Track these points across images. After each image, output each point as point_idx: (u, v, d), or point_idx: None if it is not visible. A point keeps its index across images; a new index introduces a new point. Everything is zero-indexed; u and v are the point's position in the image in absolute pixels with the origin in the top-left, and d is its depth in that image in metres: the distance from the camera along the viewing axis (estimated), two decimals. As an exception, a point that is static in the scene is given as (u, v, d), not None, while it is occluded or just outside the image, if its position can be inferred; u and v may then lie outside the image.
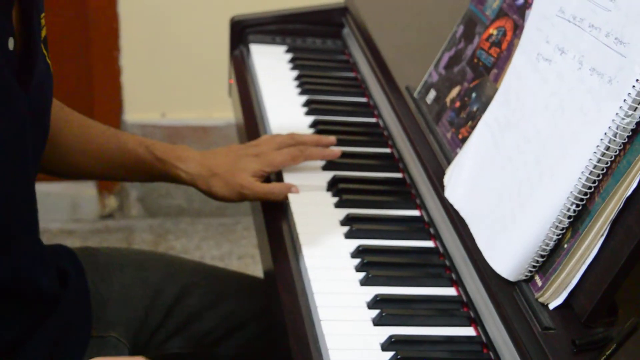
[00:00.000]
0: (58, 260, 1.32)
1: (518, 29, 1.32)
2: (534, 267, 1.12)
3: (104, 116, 2.88)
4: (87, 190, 2.98)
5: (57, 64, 2.77)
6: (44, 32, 1.19)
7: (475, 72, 1.39)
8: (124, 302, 1.41)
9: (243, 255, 2.91)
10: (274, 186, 1.43)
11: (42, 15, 1.18)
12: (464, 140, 1.33)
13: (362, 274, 1.25)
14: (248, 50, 1.90)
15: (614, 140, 1.03)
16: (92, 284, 1.38)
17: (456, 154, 1.32)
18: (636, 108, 1.02)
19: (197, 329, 1.45)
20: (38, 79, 1.14)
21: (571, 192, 1.07)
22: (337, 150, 1.50)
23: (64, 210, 2.98)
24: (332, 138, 1.52)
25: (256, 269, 2.77)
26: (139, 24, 2.84)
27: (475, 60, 1.40)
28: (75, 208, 2.99)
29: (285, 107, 1.70)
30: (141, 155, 1.44)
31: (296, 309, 1.20)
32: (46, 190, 2.89)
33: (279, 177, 1.48)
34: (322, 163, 1.51)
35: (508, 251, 1.13)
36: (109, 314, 1.37)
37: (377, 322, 1.16)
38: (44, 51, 1.19)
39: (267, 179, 1.47)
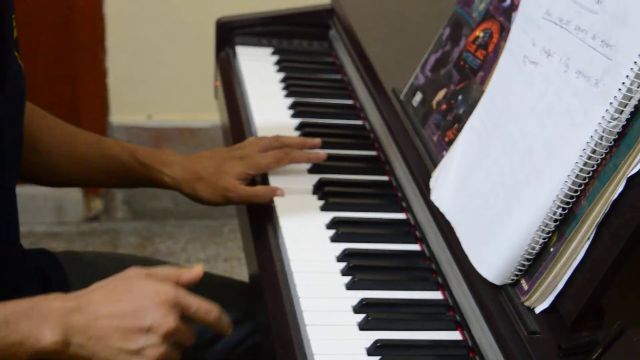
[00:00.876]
0: (39, 264, 1.30)
1: (504, 31, 1.31)
2: (520, 270, 1.11)
3: (90, 118, 2.87)
4: (72, 192, 2.96)
5: (42, 65, 2.79)
6: (15, 33, 1.17)
7: (462, 74, 1.38)
8: None
9: (229, 257, 2.90)
10: (258, 189, 1.42)
11: (13, 16, 1.17)
12: (450, 143, 1.32)
13: (347, 278, 1.24)
14: (234, 52, 1.89)
15: (600, 144, 1.03)
16: (74, 289, 1.36)
17: (442, 156, 1.32)
18: (622, 111, 1.01)
19: None
20: (12, 81, 1.13)
21: (557, 195, 1.06)
22: (323, 153, 1.49)
23: (49, 212, 2.97)
24: (318, 140, 1.51)
25: (242, 272, 2.76)
26: (125, 25, 2.83)
27: (462, 63, 1.39)
28: (61, 211, 2.98)
29: (271, 109, 1.69)
30: (125, 161, 1.44)
31: (281, 314, 1.19)
32: (31, 193, 2.88)
33: (264, 179, 1.48)
34: (308, 166, 1.51)
35: (494, 255, 1.12)
36: None
37: (363, 326, 1.16)
38: (16, 53, 1.18)
39: (252, 181, 1.47)
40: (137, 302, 1.07)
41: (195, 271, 1.15)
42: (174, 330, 1.08)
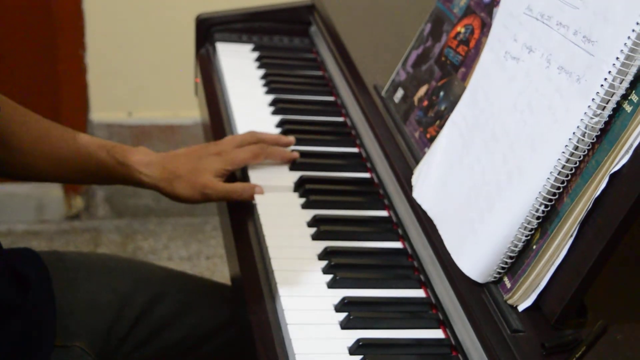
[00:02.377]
0: (19, 265, 1.29)
1: (486, 27, 1.31)
2: (503, 268, 1.10)
3: (70, 115, 2.85)
4: (53, 190, 2.94)
5: (21, 62, 2.77)
6: None
7: (443, 70, 1.37)
8: (90, 311, 1.37)
9: (212, 255, 2.89)
10: (236, 186, 1.41)
11: None
12: (432, 139, 1.32)
13: (329, 277, 1.23)
14: (214, 48, 1.88)
15: (583, 140, 1.02)
16: (58, 291, 1.35)
17: (424, 153, 1.31)
18: (604, 107, 1.01)
19: (166, 338, 1.43)
20: None
21: (540, 192, 1.05)
22: (296, 153, 1.50)
23: (30, 211, 2.95)
24: (292, 138, 1.51)
25: (225, 270, 2.74)
26: (104, 21, 2.81)
27: (443, 59, 1.38)
28: (41, 209, 2.96)
29: (251, 106, 1.68)
30: (103, 160, 1.42)
31: (263, 312, 1.18)
32: (11, 191, 2.86)
33: (244, 176, 1.46)
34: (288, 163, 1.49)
35: (476, 252, 1.12)
36: (74, 323, 1.34)
37: (345, 325, 1.15)
38: None
39: (233, 177, 1.46)
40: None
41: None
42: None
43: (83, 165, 1.43)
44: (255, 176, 1.45)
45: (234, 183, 1.42)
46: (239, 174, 1.48)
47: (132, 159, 1.42)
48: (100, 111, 2.92)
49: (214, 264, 2.84)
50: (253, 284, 1.24)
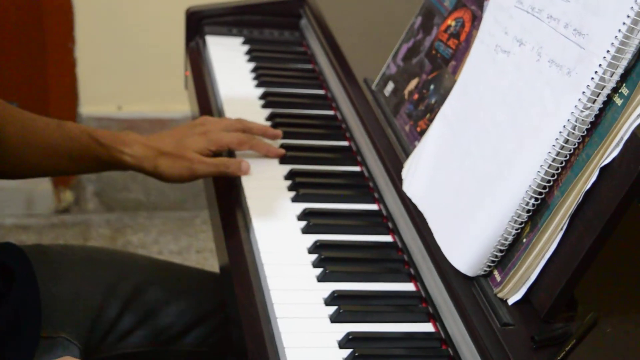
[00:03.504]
0: (3, 258, 1.28)
1: (476, 20, 1.30)
2: (493, 262, 1.10)
3: (60, 109, 2.84)
4: (42, 184, 2.93)
5: (11, 56, 2.75)
6: None
7: (434, 63, 1.37)
8: (74, 301, 1.37)
9: (202, 249, 2.88)
10: (222, 158, 1.42)
11: None
12: (422, 132, 1.31)
13: (319, 270, 1.23)
14: (204, 41, 1.87)
15: (573, 133, 1.02)
16: (42, 283, 1.34)
17: (414, 146, 1.30)
18: (595, 100, 1.00)
19: (152, 327, 1.43)
20: None
21: (530, 185, 1.05)
22: (282, 150, 1.49)
23: (19, 205, 2.94)
24: (279, 131, 1.51)
25: (215, 264, 2.72)
26: (94, 15, 2.80)
27: (434, 52, 1.38)
28: (30, 203, 2.95)
29: (241, 100, 1.67)
30: (85, 144, 1.41)
31: (252, 306, 1.18)
32: (0, 185, 2.85)
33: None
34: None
35: (466, 246, 1.11)
36: (59, 314, 1.34)
37: (335, 319, 1.14)
38: None
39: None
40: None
41: None
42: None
43: (68, 152, 1.42)
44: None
45: (219, 157, 1.42)
46: (226, 156, 1.48)
47: (114, 140, 1.42)
48: (89, 105, 2.91)
49: (204, 257, 2.84)
50: (242, 277, 1.23)
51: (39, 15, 2.75)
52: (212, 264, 2.77)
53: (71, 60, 2.84)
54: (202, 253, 2.88)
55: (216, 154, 1.45)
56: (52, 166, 1.45)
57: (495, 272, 1.10)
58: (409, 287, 1.23)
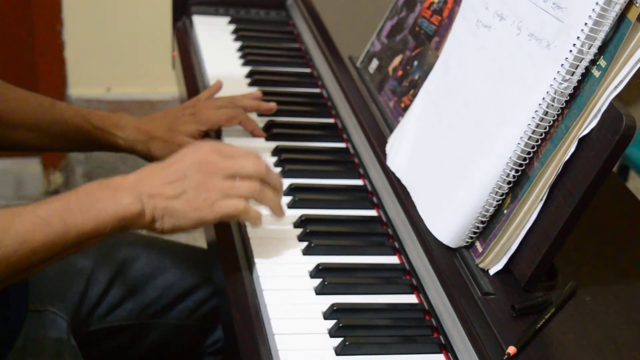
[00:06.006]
0: None
1: (459, -4, 1.31)
2: (475, 233, 1.12)
3: (48, 91, 2.84)
4: (32, 166, 2.93)
5: (-1, 39, 2.75)
6: None
7: (417, 40, 1.38)
8: (62, 276, 1.38)
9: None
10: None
11: None
12: (406, 108, 1.33)
13: (304, 244, 1.24)
14: (191, 21, 1.88)
15: (552, 105, 1.04)
16: None
17: (398, 122, 1.32)
18: (573, 72, 1.02)
19: (139, 300, 1.44)
20: None
21: (510, 157, 1.07)
22: (272, 104, 1.50)
23: (9, 186, 2.94)
24: (272, 104, 1.51)
25: (204, 244, 2.75)
26: (81, -3, 2.80)
27: (417, 29, 1.39)
28: (20, 184, 2.95)
29: (228, 78, 1.67)
30: (79, 125, 1.43)
31: (239, 280, 1.19)
32: (-11, 167, 2.85)
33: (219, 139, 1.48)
34: (265, 134, 1.50)
35: (448, 218, 1.13)
36: (47, 288, 1.35)
37: (320, 291, 1.16)
38: None
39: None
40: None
41: None
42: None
43: (61, 132, 1.43)
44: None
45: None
46: (213, 135, 1.49)
47: (107, 123, 1.44)
48: (78, 87, 2.91)
49: (193, 238, 2.84)
50: (229, 252, 1.25)
51: (26, -1, 2.75)
52: (201, 244, 2.76)
53: (59, 43, 2.84)
54: (191, 234, 2.89)
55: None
56: (43, 144, 1.47)
57: (477, 243, 1.12)
58: (394, 259, 1.24)
